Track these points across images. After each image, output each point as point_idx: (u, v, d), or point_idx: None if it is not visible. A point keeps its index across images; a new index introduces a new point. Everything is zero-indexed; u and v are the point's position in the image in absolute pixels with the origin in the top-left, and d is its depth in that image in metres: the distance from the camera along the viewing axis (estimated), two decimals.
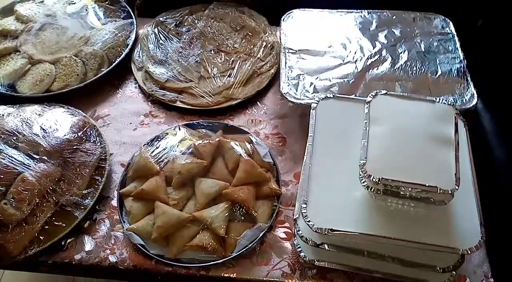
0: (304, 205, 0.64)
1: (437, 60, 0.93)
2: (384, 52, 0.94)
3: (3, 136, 0.83)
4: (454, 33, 0.98)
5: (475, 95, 0.86)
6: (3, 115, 0.87)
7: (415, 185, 0.56)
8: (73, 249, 0.77)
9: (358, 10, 1.04)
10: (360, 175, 0.60)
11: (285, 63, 0.93)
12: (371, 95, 0.65)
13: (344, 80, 0.89)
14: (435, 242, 0.59)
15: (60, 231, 0.77)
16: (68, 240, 0.77)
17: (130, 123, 0.95)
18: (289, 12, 1.03)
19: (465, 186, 0.62)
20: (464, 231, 0.61)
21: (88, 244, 0.78)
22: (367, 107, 0.63)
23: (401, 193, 0.59)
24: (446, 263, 0.63)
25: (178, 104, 0.96)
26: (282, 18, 1.02)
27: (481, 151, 0.89)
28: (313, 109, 0.74)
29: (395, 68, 0.91)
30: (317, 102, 0.75)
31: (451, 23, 1.00)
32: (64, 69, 1.00)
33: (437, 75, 0.90)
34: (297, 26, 1.01)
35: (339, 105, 0.75)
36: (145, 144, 0.87)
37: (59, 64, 1.01)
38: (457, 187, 0.55)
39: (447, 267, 0.63)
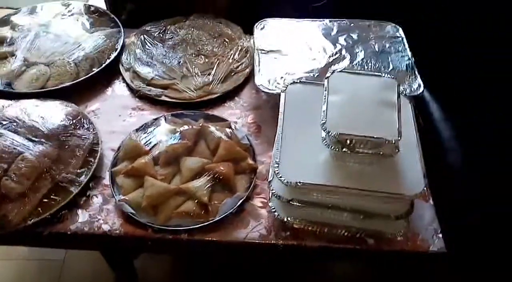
0: (276, 165, 0.75)
1: (389, 58, 1.08)
2: (343, 52, 1.09)
3: (3, 123, 0.91)
4: (403, 36, 1.14)
5: (421, 84, 1.00)
6: (3, 106, 0.96)
7: (366, 137, 0.68)
8: (68, 221, 0.84)
9: (321, 19, 1.19)
10: (322, 135, 0.72)
11: (258, 61, 1.06)
12: (330, 72, 0.78)
13: (309, 74, 1.03)
14: (386, 190, 0.71)
15: (57, 204, 0.84)
16: (64, 212, 0.85)
17: (119, 115, 1.05)
18: (261, 20, 1.18)
19: (409, 144, 0.75)
20: (410, 181, 0.73)
21: (82, 216, 0.85)
22: (326, 81, 0.76)
23: (356, 149, 0.71)
24: (398, 211, 0.75)
25: (164, 98, 1.07)
26: (255, 25, 1.16)
27: (430, 133, 1.04)
28: (282, 92, 0.87)
29: (353, 64, 1.05)
30: (286, 86, 0.88)
31: (400, 29, 1.16)
32: (58, 69, 1.10)
33: (389, 70, 1.04)
34: (268, 32, 1.15)
35: (305, 89, 0.88)
36: (134, 130, 0.97)
37: (53, 66, 1.11)
38: (399, 138, 0.68)
39: (399, 215, 0.74)
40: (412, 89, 1.00)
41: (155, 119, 1.00)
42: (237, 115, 1.06)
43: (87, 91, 1.10)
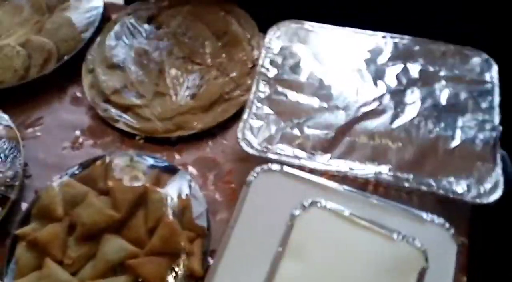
0: None
1: (459, 121, 0.67)
2: (386, 99, 0.69)
3: None
4: (496, 82, 0.70)
5: (501, 184, 0.60)
6: None
7: None
8: None
9: (372, 32, 0.78)
10: None
11: (254, 94, 0.72)
12: (303, 206, 0.43)
13: (321, 133, 0.67)
14: None
15: None
16: None
17: (61, 139, 0.79)
18: (279, 23, 0.80)
19: None
20: None
21: None
22: (290, 223, 0.42)
23: None
24: None
25: (120, 126, 0.78)
26: (267, 32, 0.79)
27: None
28: (247, 185, 0.54)
29: (394, 125, 0.67)
30: (256, 174, 0.54)
31: (495, 66, 0.72)
32: (3, 62, 0.84)
33: (451, 145, 0.65)
34: (285, 43, 0.78)
35: (285, 184, 0.54)
36: (59, 175, 0.71)
37: (0, 54, 0.85)
38: None
39: None
40: (482, 189, 0.60)
41: (99, 157, 0.73)
42: (211, 166, 0.75)
43: (35, 94, 0.85)
